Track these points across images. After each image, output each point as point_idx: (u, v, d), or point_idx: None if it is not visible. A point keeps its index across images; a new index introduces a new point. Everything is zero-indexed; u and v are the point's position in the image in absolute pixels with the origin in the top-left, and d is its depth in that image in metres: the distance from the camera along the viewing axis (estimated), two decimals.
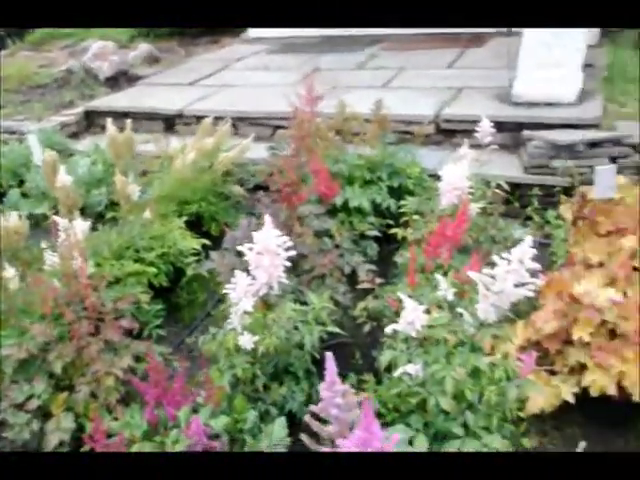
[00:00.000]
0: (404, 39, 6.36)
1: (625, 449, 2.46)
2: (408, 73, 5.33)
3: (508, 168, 3.93)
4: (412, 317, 1.90)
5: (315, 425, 1.46)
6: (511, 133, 4.08)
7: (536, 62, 3.94)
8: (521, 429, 2.43)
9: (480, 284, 1.92)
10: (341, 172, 3.33)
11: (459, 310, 2.01)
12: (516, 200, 3.84)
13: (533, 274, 1.87)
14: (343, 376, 2.54)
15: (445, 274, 2.39)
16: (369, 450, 1.25)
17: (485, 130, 3.17)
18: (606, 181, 2.97)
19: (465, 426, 2.02)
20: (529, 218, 3.77)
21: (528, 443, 2.41)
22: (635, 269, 2.64)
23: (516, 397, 2.08)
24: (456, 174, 2.82)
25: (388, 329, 1.98)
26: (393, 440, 1.30)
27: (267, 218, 2.11)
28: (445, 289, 2.07)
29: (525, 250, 1.80)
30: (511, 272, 1.83)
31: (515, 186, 3.84)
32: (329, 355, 1.44)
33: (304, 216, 2.99)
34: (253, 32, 7.35)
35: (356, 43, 6.49)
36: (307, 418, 1.49)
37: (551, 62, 3.91)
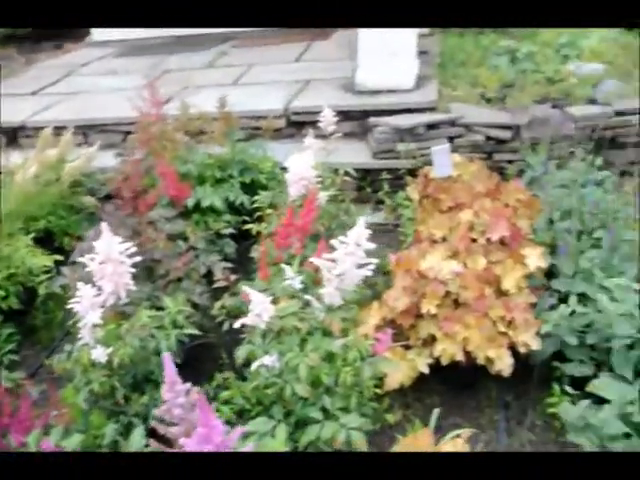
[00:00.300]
0: (254, 35, 6.38)
1: (477, 408, 2.62)
2: (258, 69, 5.36)
3: (358, 155, 4.06)
4: (259, 309, 1.92)
5: (161, 428, 1.44)
6: (358, 121, 4.22)
7: (374, 52, 4.10)
8: (384, 405, 2.54)
9: (323, 269, 1.97)
10: (190, 173, 3.30)
11: (307, 297, 2.06)
12: (368, 185, 3.99)
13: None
14: (210, 376, 2.58)
15: (301, 264, 2.44)
16: (209, 446, 1.25)
17: (328, 120, 3.25)
18: (442, 160, 3.14)
19: (325, 410, 2.08)
20: (382, 202, 3.92)
21: (392, 418, 2.53)
22: (473, 240, 2.82)
23: (371, 375, 2.16)
24: (302, 164, 2.87)
25: (237, 323, 1.99)
26: (235, 434, 1.31)
27: (104, 226, 2.05)
28: (292, 278, 2.11)
29: (360, 232, 1.87)
30: (349, 254, 1.89)
31: (366, 172, 3.99)
32: (166, 356, 1.43)
33: (155, 221, 2.93)
34: (98, 35, 7.08)
35: (206, 42, 6.43)
36: (153, 422, 1.48)
37: (387, 51, 4.07)
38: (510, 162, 3.75)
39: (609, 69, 4.15)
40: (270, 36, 6.29)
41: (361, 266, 1.97)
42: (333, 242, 1.91)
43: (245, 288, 2.00)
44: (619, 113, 3.80)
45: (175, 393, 1.38)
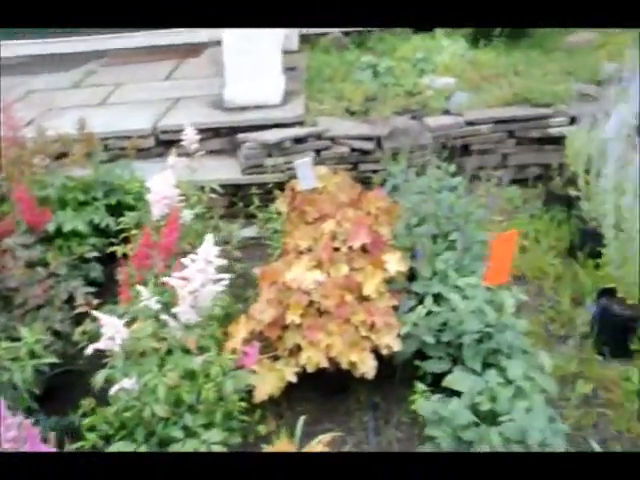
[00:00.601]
0: (123, 53, 6.26)
1: (348, 412, 2.70)
2: (126, 88, 5.26)
3: (228, 171, 4.09)
4: (111, 332, 1.89)
5: None
6: (228, 137, 4.24)
7: (240, 69, 4.14)
8: (256, 417, 2.56)
9: (177, 287, 1.98)
10: (50, 197, 3.19)
11: (163, 317, 2.05)
12: (240, 200, 4.01)
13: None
14: (76, 404, 2.50)
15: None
16: None
17: (190, 138, 3.26)
18: (306, 173, 3.22)
19: (187, 428, 2.07)
20: (254, 216, 3.96)
21: (264, 430, 2.56)
22: (336, 249, 2.90)
23: (234, 389, 2.19)
24: (163, 184, 2.86)
25: (89, 349, 1.96)
26: None
27: None
28: (148, 298, 2.10)
29: (209, 249, 1.89)
30: (200, 272, 1.91)
31: (236, 187, 4.02)
32: None
33: (11, 248, 2.82)
34: None
35: (73, 61, 6.24)
36: None
37: (253, 68, 4.13)
38: (375, 172, 3.89)
39: (459, 82, 4.41)
40: (140, 54, 6.20)
41: (216, 282, 1.99)
42: (183, 260, 1.92)
43: (96, 313, 1.96)
44: (469, 123, 4.06)
45: (5, 428, 1.34)
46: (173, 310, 2.00)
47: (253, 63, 4.11)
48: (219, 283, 1.95)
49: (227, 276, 1.96)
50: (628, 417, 2.62)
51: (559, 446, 2.06)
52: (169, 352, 2.14)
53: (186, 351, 2.14)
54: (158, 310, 2.16)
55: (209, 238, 1.87)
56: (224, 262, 1.92)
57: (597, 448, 2.22)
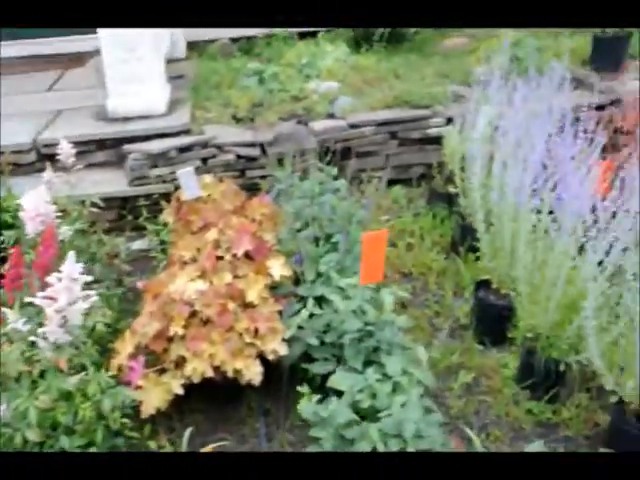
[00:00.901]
0: (5, 63, 6.00)
1: (240, 420, 2.70)
2: (5, 100, 5.04)
3: (116, 183, 4.00)
4: None
5: None
6: (113, 149, 4.15)
7: (121, 78, 4.06)
8: (146, 433, 2.53)
9: (44, 307, 1.93)
10: None
11: (31, 338, 1.99)
12: (128, 213, 3.94)
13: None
14: None
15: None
16: None
17: (66, 152, 3.17)
18: (189, 182, 3.21)
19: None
20: (144, 228, 3.90)
21: (155, 444, 2.52)
22: (220, 258, 2.90)
23: (115, 406, 2.15)
24: (36, 200, 2.78)
25: None
26: None
27: None
28: (14, 321, 2.03)
29: (72, 267, 1.85)
30: (66, 289, 1.86)
31: (124, 200, 3.95)
32: None
33: None
34: None
35: None
36: None
37: (134, 77, 4.06)
38: (263, 177, 3.92)
39: (343, 87, 4.51)
40: (21, 64, 5.96)
41: (84, 299, 1.95)
42: (49, 279, 1.87)
43: None
44: (352, 126, 4.16)
45: None
46: (40, 330, 1.94)
47: (134, 72, 4.05)
48: (88, 300, 1.91)
49: (94, 293, 1.93)
50: (506, 402, 2.76)
51: (435, 436, 2.14)
52: (43, 374, 2.08)
53: (61, 372, 2.09)
54: (27, 332, 2.09)
55: (71, 255, 1.83)
56: (89, 278, 1.89)
57: (473, 436, 2.32)
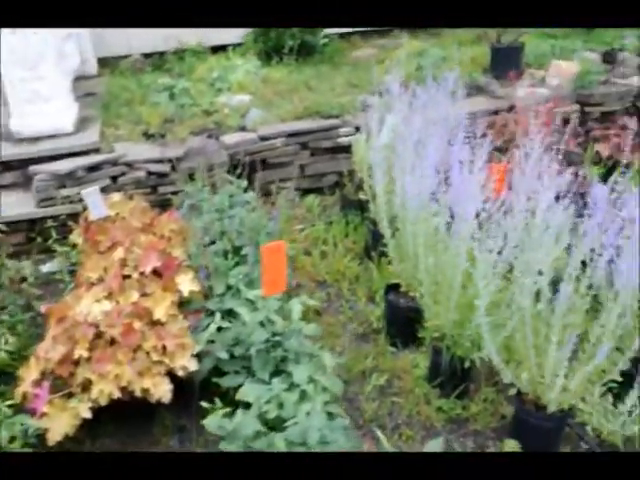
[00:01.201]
0: None
1: (155, 439, 2.67)
2: None
3: (23, 205, 3.91)
4: None
5: None
6: (20, 170, 4.05)
7: (23, 98, 3.97)
8: None
9: None
10: None
11: None
12: (37, 235, 3.85)
13: None
14: None
15: None
16: None
17: None
18: (95, 202, 3.16)
19: None
20: (54, 250, 3.81)
21: None
22: (127, 277, 2.87)
23: (9, 436, 2.10)
24: None
25: None
26: None
27: None
28: None
29: None
30: None
31: (32, 222, 3.86)
32: None
33: None
34: None
35: None
36: None
37: (38, 96, 3.98)
38: (174, 193, 3.89)
39: (254, 99, 4.54)
40: None
41: None
42: None
43: None
44: (263, 138, 4.19)
45: None
46: None
47: (36, 91, 3.96)
48: None
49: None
50: (417, 401, 2.83)
51: (340, 441, 2.18)
52: None
53: None
54: None
55: None
56: None
57: (382, 437, 2.37)
